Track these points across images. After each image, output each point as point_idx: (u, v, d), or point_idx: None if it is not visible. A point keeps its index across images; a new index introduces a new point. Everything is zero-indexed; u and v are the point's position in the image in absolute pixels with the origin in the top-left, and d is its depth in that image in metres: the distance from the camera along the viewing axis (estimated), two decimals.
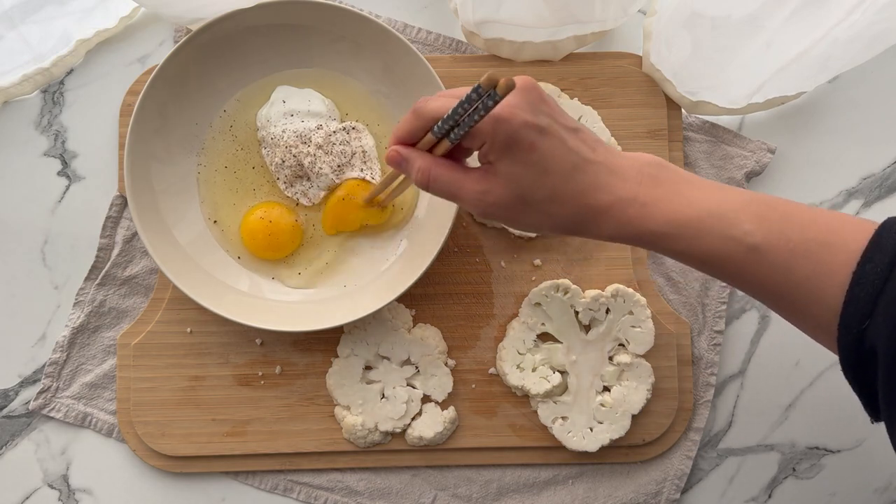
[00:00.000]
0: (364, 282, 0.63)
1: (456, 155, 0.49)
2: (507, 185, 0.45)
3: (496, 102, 0.42)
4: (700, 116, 0.67)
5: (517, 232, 0.64)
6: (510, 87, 0.40)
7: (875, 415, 0.44)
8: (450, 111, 0.44)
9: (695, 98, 0.64)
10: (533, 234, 0.64)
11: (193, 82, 0.61)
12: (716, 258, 0.45)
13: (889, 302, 0.40)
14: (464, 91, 0.45)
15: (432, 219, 0.62)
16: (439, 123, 0.46)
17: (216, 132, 0.63)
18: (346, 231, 0.63)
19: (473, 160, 0.49)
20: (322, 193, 0.63)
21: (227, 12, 0.59)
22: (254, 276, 0.63)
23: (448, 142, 0.46)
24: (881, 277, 0.40)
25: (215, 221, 0.63)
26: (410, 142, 0.49)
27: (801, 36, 0.57)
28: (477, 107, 0.42)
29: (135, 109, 0.59)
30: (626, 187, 0.45)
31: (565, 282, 0.63)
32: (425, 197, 0.64)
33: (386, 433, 0.63)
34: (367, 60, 0.63)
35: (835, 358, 0.66)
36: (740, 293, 0.67)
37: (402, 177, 0.56)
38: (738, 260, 0.44)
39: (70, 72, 0.67)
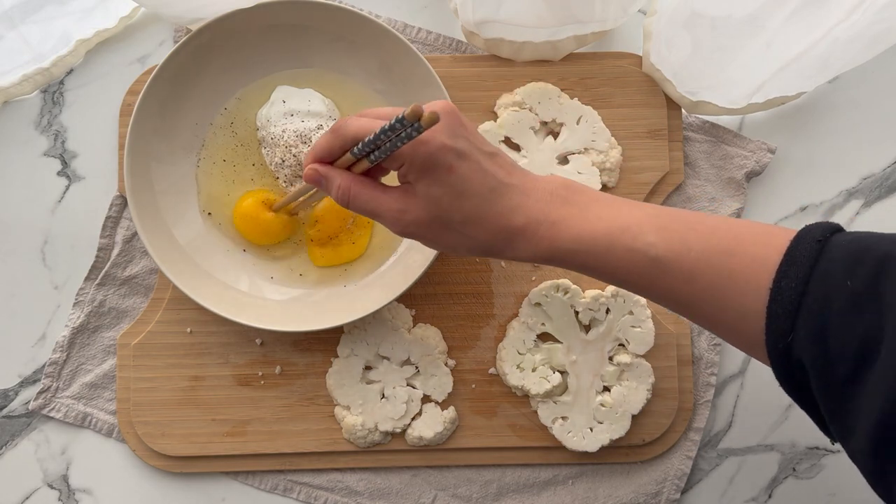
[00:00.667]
0: (364, 282, 0.63)
1: (374, 173, 0.49)
2: (426, 206, 0.46)
3: (419, 132, 0.42)
4: (700, 116, 0.67)
5: None
6: (434, 121, 0.41)
7: (828, 433, 0.44)
8: (371, 136, 0.45)
9: (695, 98, 0.64)
10: None
11: (193, 82, 0.61)
12: (623, 272, 0.46)
13: (808, 316, 0.40)
14: (386, 112, 0.47)
15: None
16: (359, 146, 0.46)
17: (216, 128, 0.64)
18: (332, 264, 0.63)
19: (392, 178, 0.50)
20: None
21: (227, 12, 0.59)
22: (254, 277, 0.63)
23: (367, 162, 0.47)
24: (797, 293, 0.41)
25: (210, 213, 0.63)
26: (329, 160, 0.49)
27: (802, 36, 0.57)
28: (400, 134, 0.43)
29: (134, 109, 0.59)
30: (538, 207, 0.47)
31: (565, 282, 0.63)
32: None
33: (386, 433, 0.63)
34: (366, 60, 0.63)
35: None
36: None
37: (314, 189, 0.56)
38: (643, 272, 0.45)
39: (70, 72, 0.67)
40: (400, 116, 0.42)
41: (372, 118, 0.47)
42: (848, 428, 0.39)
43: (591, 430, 0.62)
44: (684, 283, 0.45)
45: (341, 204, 0.49)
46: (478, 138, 0.47)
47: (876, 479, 0.38)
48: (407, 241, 0.63)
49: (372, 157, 0.46)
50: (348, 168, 0.49)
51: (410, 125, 0.42)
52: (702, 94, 0.64)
